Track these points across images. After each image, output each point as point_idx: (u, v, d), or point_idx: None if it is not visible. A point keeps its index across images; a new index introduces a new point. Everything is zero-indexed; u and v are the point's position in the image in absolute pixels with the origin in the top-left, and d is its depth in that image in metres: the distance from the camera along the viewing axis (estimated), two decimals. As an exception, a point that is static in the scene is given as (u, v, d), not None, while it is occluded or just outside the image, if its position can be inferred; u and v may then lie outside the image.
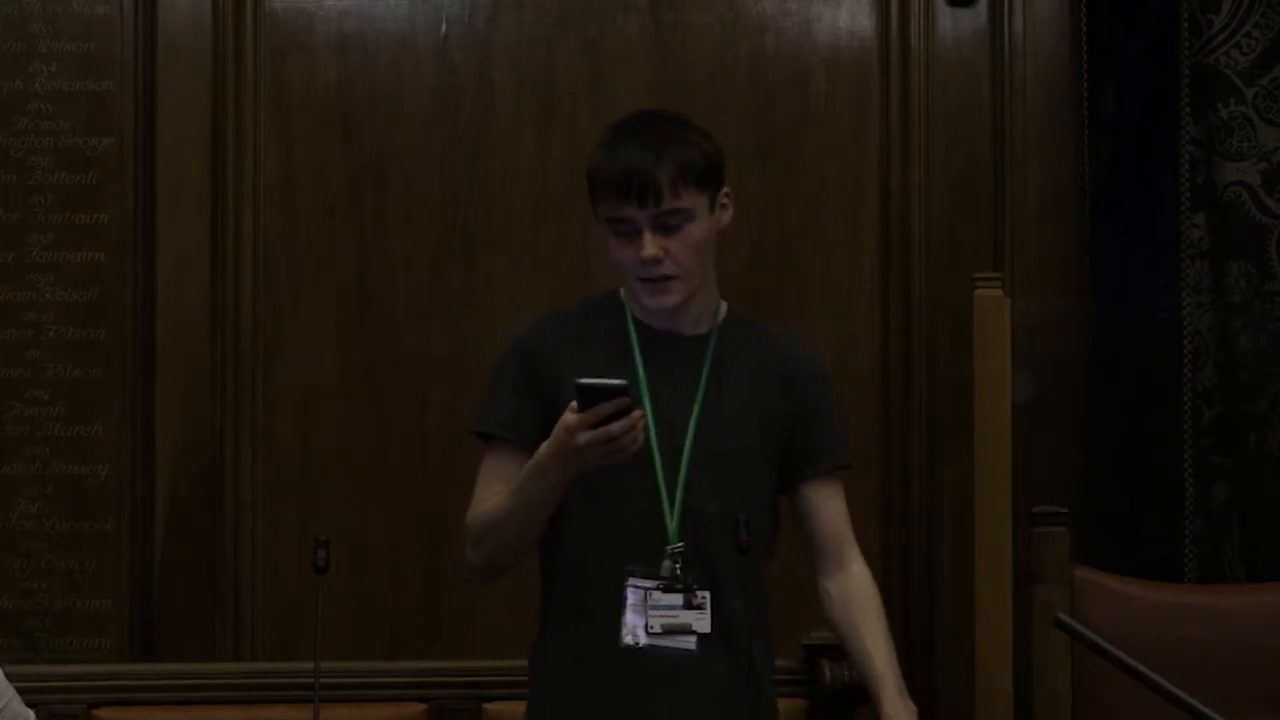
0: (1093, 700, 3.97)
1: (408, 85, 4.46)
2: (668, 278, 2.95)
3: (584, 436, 2.76)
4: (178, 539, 4.36)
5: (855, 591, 3.05)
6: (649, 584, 2.94)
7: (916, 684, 2.97)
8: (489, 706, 3.95)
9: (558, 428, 2.79)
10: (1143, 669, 2.48)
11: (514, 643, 4.24)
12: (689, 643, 2.94)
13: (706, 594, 2.94)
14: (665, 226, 2.93)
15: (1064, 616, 2.75)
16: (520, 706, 3.85)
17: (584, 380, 2.75)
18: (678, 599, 2.93)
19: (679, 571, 2.93)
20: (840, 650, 3.71)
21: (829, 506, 3.07)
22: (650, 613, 2.93)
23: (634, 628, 2.94)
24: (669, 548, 2.94)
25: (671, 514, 2.95)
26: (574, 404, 2.76)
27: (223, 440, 4.38)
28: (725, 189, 3.03)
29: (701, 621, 2.94)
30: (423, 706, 3.96)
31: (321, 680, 3.20)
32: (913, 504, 4.46)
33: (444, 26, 4.47)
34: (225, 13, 4.41)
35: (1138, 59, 4.53)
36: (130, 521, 4.35)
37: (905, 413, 4.47)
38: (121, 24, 4.39)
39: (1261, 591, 4.18)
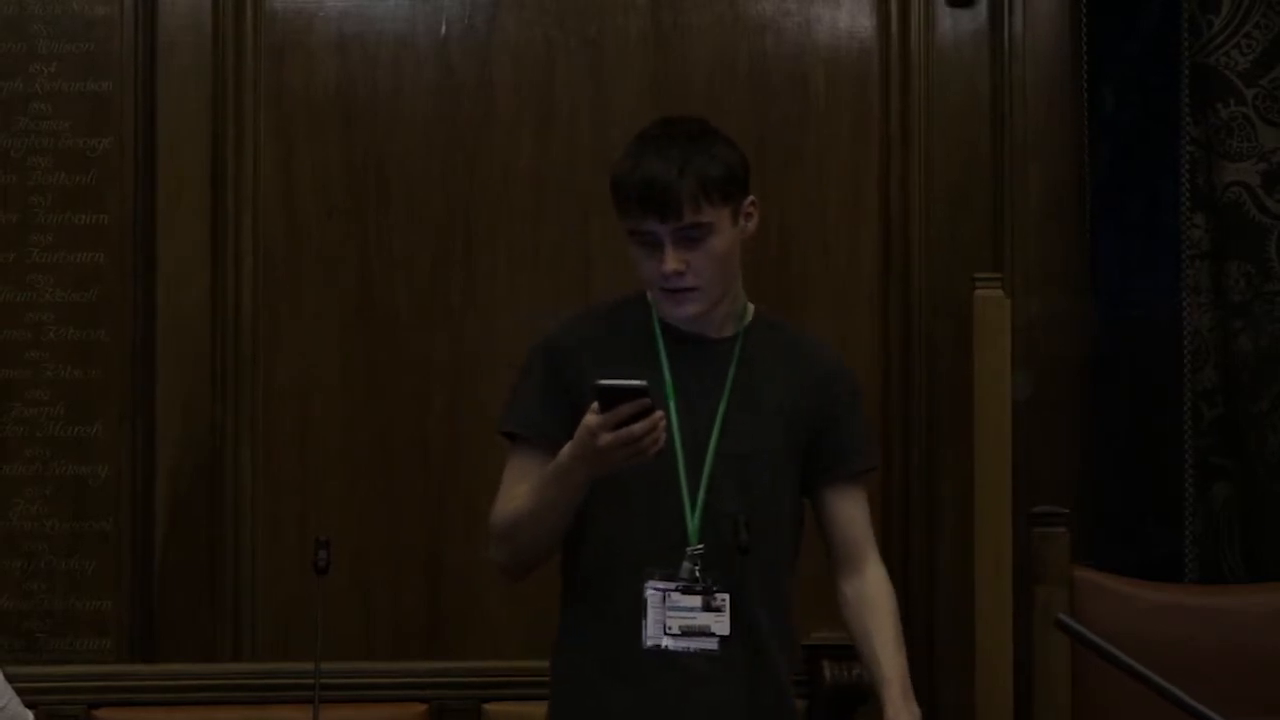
0: (1093, 700, 3.97)
1: (408, 85, 4.46)
2: (689, 289, 2.95)
3: (606, 438, 2.76)
4: (178, 539, 4.36)
5: (870, 595, 3.03)
6: (668, 585, 2.93)
7: (916, 684, 2.97)
8: (489, 706, 3.95)
9: (580, 429, 2.79)
10: (1143, 669, 2.48)
11: (514, 643, 4.27)
12: (710, 644, 2.94)
13: (726, 596, 2.93)
14: (687, 239, 2.92)
15: (1064, 617, 2.75)
16: (520, 707, 3.89)
17: (603, 381, 2.75)
18: (697, 601, 2.93)
19: (699, 573, 2.93)
20: (840, 650, 3.74)
21: (850, 511, 3.06)
22: (669, 614, 2.93)
23: (654, 629, 2.93)
24: (689, 549, 2.93)
25: (693, 515, 2.94)
26: (595, 405, 2.76)
27: (223, 440, 4.38)
28: (750, 198, 3.01)
29: (720, 624, 2.93)
30: (423, 707, 3.96)
31: (322, 680, 3.20)
32: (913, 504, 4.46)
33: (444, 27, 4.47)
34: (225, 13, 4.41)
35: (1138, 59, 4.53)
36: (130, 522, 4.35)
37: (905, 413, 4.47)
38: (121, 24, 4.39)
39: (1261, 591, 4.19)
